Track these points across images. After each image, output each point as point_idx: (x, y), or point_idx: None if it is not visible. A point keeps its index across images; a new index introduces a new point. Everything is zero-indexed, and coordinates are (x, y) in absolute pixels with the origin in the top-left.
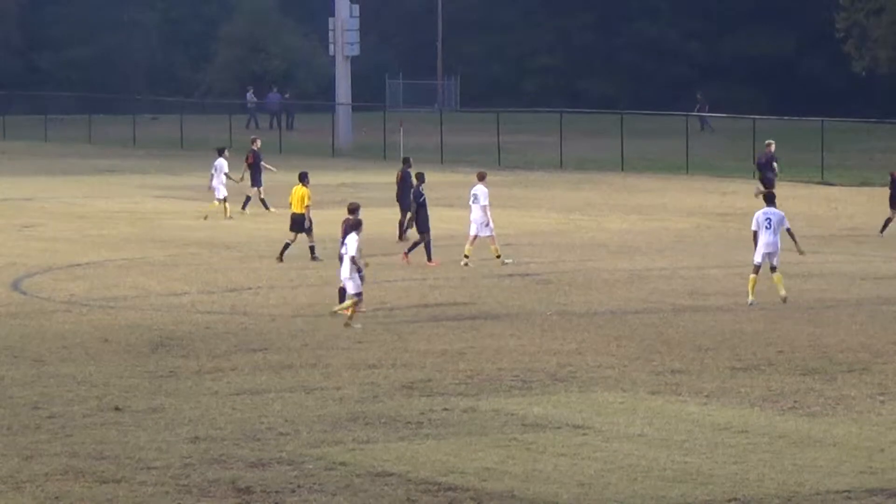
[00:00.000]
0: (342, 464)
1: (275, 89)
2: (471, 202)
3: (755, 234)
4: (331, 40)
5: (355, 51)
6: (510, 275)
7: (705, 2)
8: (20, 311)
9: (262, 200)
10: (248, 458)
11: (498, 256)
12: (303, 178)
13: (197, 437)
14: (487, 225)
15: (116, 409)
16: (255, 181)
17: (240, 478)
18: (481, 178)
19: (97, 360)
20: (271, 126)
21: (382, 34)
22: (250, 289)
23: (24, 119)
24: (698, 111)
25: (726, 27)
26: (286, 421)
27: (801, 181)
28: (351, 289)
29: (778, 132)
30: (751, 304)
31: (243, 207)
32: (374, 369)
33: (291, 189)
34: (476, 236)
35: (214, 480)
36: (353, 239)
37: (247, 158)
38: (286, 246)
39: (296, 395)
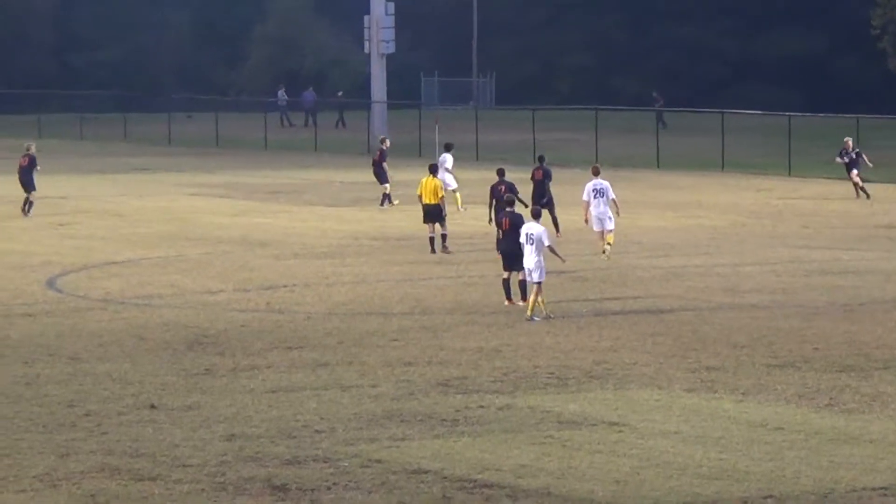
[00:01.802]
0: (378, 461)
1: (310, 88)
2: (594, 197)
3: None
4: (366, 38)
5: (391, 49)
6: (546, 272)
7: (738, 0)
8: (56, 309)
9: (387, 196)
10: (284, 456)
11: (604, 251)
12: (433, 170)
13: (232, 435)
14: (612, 219)
15: (152, 406)
16: (382, 178)
17: (275, 475)
18: (597, 172)
19: (133, 358)
20: (306, 124)
21: (417, 32)
22: (285, 286)
23: (59, 118)
24: (657, 108)
25: (760, 25)
26: (322, 418)
27: (836, 178)
28: (538, 277)
29: (813, 130)
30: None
31: (381, 204)
32: (410, 367)
33: (420, 182)
34: (602, 230)
35: (250, 478)
36: (542, 229)
37: (375, 157)
38: (432, 240)
39: (331, 393)
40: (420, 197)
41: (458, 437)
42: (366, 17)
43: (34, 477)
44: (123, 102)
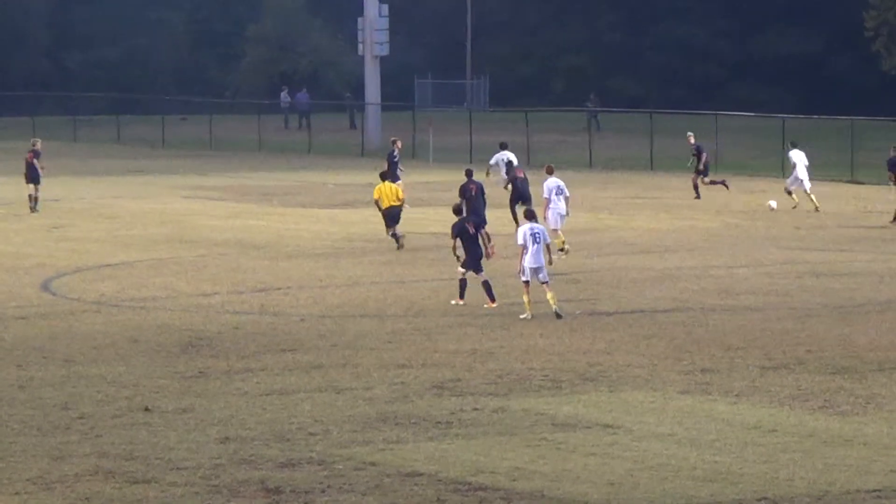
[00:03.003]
0: (372, 464)
1: (304, 89)
2: (553, 195)
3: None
4: (360, 40)
5: (384, 50)
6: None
7: (734, 1)
8: (50, 311)
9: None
10: (278, 459)
11: (563, 249)
12: (384, 177)
13: (227, 438)
14: (564, 217)
15: (146, 409)
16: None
17: (269, 478)
18: (552, 171)
19: (127, 360)
20: (300, 126)
21: (411, 34)
22: (279, 289)
23: (54, 120)
24: (591, 110)
25: (755, 26)
26: (316, 421)
27: (831, 180)
28: (545, 276)
29: (807, 131)
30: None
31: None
32: (404, 369)
33: (377, 188)
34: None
35: (244, 481)
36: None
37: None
38: (396, 237)
39: (325, 396)
40: (378, 202)
41: (452, 440)
42: (359, 19)
43: (28, 480)
44: (118, 104)
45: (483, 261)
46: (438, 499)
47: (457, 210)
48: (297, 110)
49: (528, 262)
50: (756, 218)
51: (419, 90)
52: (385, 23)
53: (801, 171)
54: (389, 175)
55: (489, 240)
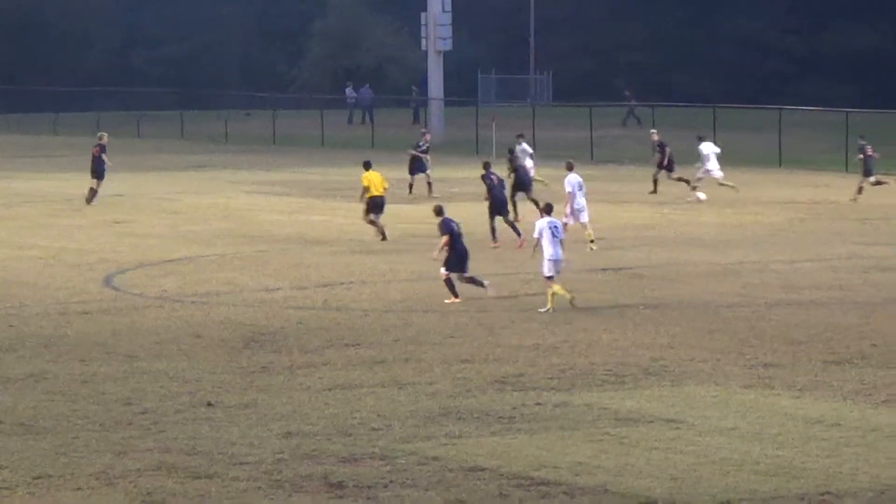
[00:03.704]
0: (434, 458)
1: (367, 85)
2: (577, 190)
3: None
4: (423, 35)
5: (447, 45)
6: (603, 269)
7: None
8: (112, 307)
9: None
10: (341, 453)
11: (592, 242)
12: (368, 165)
13: (289, 433)
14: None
15: (209, 404)
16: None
17: (332, 473)
18: (572, 167)
19: (189, 355)
20: (363, 121)
21: (474, 29)
22: (342, 284)
23: (118, 116)
24: (627, 105)
25: (821, 22)
26: (378, 416)
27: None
28: (560, 269)
29: (872, 125)
30: None
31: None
32: (467, 364)
33: (364, 176)
34: (583, 222)
35: (307, 475)
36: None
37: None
38: (381, 229)
39: (388, 390)
40: (367, 190)
41: (514, 435)
42: (422, 14)
43: (90, 475)
44: (182, 100)
45: (517, 248)
46: (501, 493)
47: (438, 210)
48: (360, 105)
49: (549, 255)
50: (820, 213)
51: (482, 85)
52: (448, 18)
53: (713, 162)
54: (415, 167)
55: (518, 233)
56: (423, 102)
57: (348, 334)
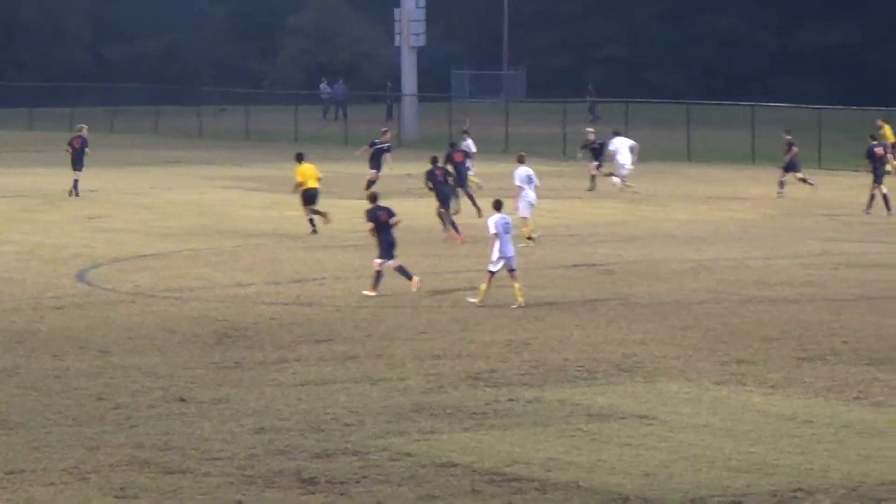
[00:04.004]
0: (407, 454)
1: (340, 81)
2: (526, 184)
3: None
4: (397, 31)
5: (421, 41)
6: (575, 265)
7: None
8: (86, 302)
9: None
10: (313, 449)
11: (531, 237)
12: (300, 158)
13: (262, 428)
14: (533, 205)
15: (181, 399)
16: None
17: (304, 468)
18: (523, 160)
19: (162, 351)
20: (336, 117)
21: (448, 25)
22: (315, 279)
23: (92, 111)
24: (588, 101)
25: (794, 18)
26: (351, 412)
27: (868, 171)
28: (515, 265)
29: (845, 123)
30: None
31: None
32: (439, 360)
33: (297, 169)
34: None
35: (279, 471)
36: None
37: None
38: (312, 220)
39: (360, 386)
40: (301, 184)
41: (487, 431)
42: (396, 10)
43: (63, 470)
44: (156, 95)
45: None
46: (473, 489)
47: (372, 197)
48: (334, 101)
49: (500, 251)
50: (793, 210)
51: (456, 81)
52: (422, 14)
53: (625, 157)
54: (374, 164)
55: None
56: (397, 98)
57: (321, 330)
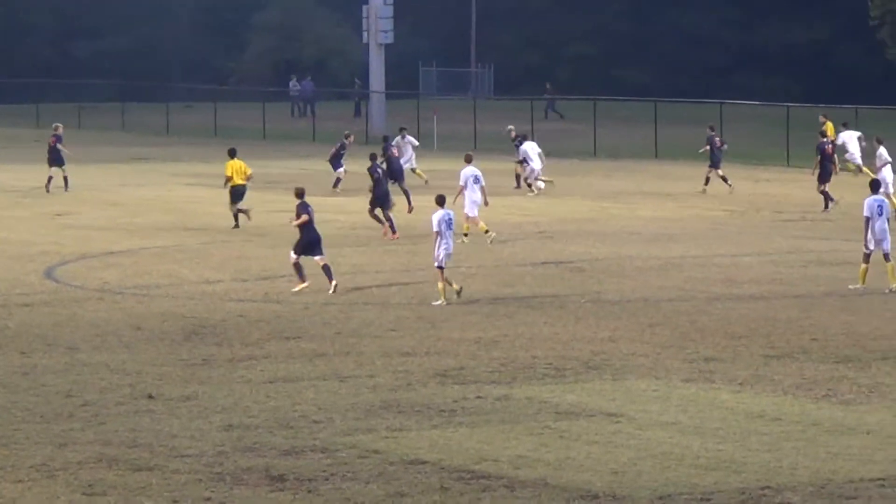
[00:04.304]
0: (375, 451)
1: (308, 77)
2: (472, 183)
3: (867, 221)
4: (364, 28)
5: (389, 38)
6: (543, 263)
7: None
8: (53, 298)
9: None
10: (282, 446)
11: (486, 231)
12: (233, 153)
13: (230, 425)
14: (478, 204)
15: (150, 396)
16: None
17: (273, 465)
18: (470, 160)
19: (130, 348)
20: (304, 114)
21: (416, 22)
22: (283, 277)
23: (58, 107)
24: (547, 98)
25: (760, 15)
26: (319, 409)
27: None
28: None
29: (812, 120)
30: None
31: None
32: (408, 357)
33: (227, 164)
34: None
35: (248, 468)
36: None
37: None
38: (237, 215)
39: (329, 383)
40: (230, 179)
41: (455, 428)
42: (364, 7)
43: (31, 467)
44: (123, 92)
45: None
46: (442, 487)
47: (299, 193)
48: (302, 98)
49: (445, 247)
50: (761, 207)
51: (424, 78)
52: (390, 11)
53: (536, 161)
54: (337, 164)
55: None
56: (365, 95)
57: (289, 327)
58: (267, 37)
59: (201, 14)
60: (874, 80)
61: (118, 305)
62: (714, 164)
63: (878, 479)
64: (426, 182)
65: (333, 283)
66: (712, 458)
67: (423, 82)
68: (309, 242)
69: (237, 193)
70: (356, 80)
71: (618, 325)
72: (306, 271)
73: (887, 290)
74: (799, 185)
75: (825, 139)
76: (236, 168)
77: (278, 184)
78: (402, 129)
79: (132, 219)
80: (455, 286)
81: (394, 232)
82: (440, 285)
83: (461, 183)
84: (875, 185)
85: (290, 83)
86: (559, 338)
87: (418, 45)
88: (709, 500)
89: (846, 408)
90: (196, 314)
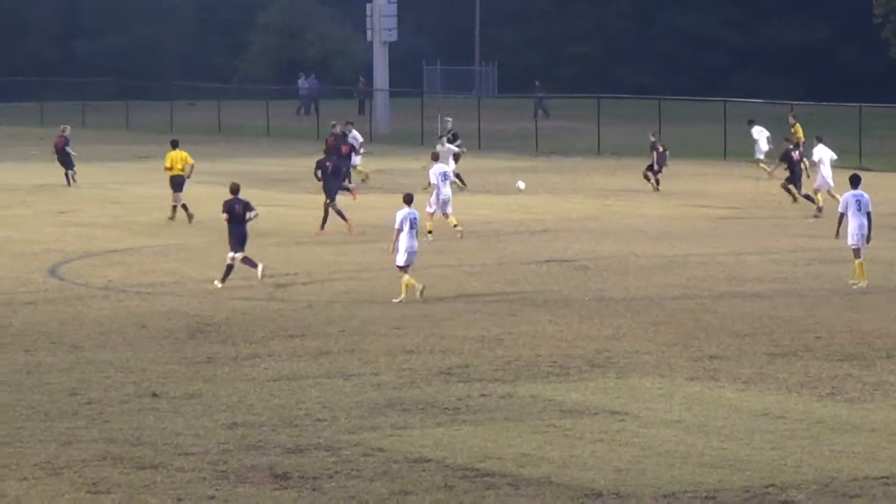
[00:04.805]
0: (380, 450)
1: (312, 75)
2: (441, 181)
3: (841, 217)
4: (368, 26)
5: (393, 37)
6: (547, 261)
7: None
8: (58, 297)
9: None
10: (286, 445)
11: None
12: (175, 144)
13: (234, 423)
14: (449, 202)
15: (154, 395)
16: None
17: (277, 464)
18: (437, 158)
19: (134, 346)
20: (307, 112)
21: (420, 20)
22: (287, 275)
23: (61, 105)
24: (537, 97)
25: (761, 15)
26: (324, 407)
27: (840, 167)
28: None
29: (815, 118)
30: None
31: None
32: (412, 355)
33: (168, 155)
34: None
35: (252, 466)
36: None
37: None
38: (175, 208)
39: (333, 382)
40: (170, 169)
41: (459, 426)
42: (368, 5)
43: (35, 465)
44: (126, 90)
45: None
46: (446, 485)
47: (233, 189)
48: (307, 96)
49: (406, 246)
50: (765, 206)
51: (428, 76)
52: (393, 9)
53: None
54: (345, 163)
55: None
56: (369, 93)
57: (293, 325)
58: (270, 36)
59: (203, 13)
60: (877, 78)
61: (122, 303)
62: (655, 168)
63: (883, 476)
64: (367, 177)
65: (260, 266)
66: (717, 456)
67: (427, 80)
68: (235, 239)
69: (176, 183)
70: (360, 78)
71: (622, 324)
72: (254, 258)
73: (852, 284)
74: (803, 183)
75: (791, 145)
76: (175, 157)
77: (283, 182)
78: (348, 124)
79: (136, 217)
80: (419, 285)
81: (322, 228)
82: (402, 282)
83: (432, 181)
84: (855, 180)
85: (299, 81)
86: (563, 336)
87: (422, 43)
88: (713, 498)
89: (850, 406)
90: (200, 312)
